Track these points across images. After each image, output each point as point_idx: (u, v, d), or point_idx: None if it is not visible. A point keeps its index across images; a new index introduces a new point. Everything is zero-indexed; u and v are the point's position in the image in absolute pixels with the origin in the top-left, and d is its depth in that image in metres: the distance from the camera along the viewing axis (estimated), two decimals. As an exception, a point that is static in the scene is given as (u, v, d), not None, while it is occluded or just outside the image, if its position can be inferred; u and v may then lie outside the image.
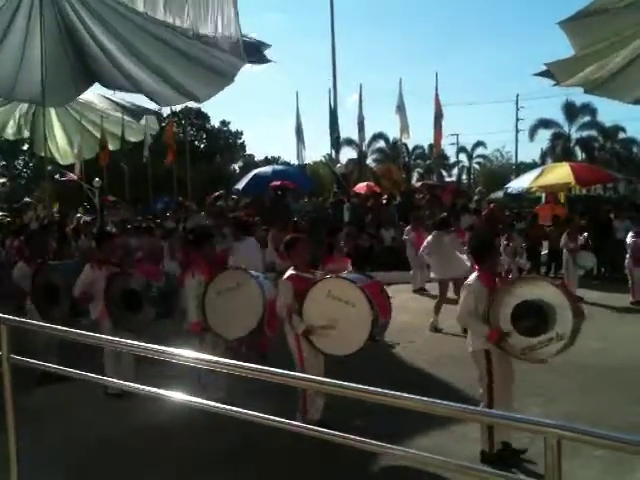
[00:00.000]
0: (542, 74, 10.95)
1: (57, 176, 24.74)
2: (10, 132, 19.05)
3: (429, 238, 9.19)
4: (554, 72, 10.73)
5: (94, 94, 18.03)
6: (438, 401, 1.98)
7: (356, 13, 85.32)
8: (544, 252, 14.46)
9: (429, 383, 6.30)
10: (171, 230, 13.54)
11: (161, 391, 2.69)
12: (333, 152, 18.26)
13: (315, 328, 4.77)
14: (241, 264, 6.02)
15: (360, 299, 4.66)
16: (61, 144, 20.17)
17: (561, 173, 18.28)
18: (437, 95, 18.77)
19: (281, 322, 5.14)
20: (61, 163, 21.73)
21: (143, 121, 19.86)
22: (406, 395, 2.01)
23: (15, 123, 18.34)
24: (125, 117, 18.55)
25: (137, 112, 18.29)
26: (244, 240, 7.81)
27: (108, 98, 17.68)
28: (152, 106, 17.39)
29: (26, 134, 19.18)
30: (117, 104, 17.80)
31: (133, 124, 19.49)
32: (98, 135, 19.83)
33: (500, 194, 23.04)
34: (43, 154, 16.30)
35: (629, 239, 10.75)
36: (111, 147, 20.93)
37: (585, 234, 11.08)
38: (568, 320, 4.06)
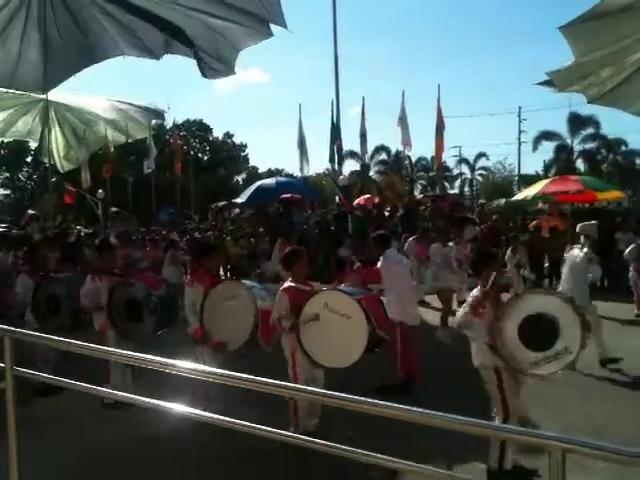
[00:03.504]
0: (544, 83, 10.94)
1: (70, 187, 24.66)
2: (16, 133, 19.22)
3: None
4: (556, 81, 10.73)
5: (99, 106, 18.13)
6: (439, 413, 1.95)
7: (358, 25, 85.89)
8: (547, 264, 14.43)
9: (432, 394, 6.24)
10: (173, 241, 13.70)
11: (159, 402, 2.66)
12: (332, 165, 18.25)
13: (301, 322, 4.77)
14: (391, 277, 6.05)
15: (356, 311, 4.65)
16: (62, 150, 20.27)
17: (536, 187, 19.07)
18: (439, 107, 18.75)
19: (278, 334, 5.13)
20: (61, 171, 21.73)
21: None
22: (405, 407, 1.99)
23: (22, 125, 18.53)
24: (130, 111, 18.49)
25: (140, 119, 18.37)
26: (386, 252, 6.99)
27: (112, 103, 17.77)
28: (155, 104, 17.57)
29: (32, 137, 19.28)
30: (121, 110, 17.87)
31: (138, 117, 19.37)
32: (102, 130, 19.77)
33: (502, 202, 23.14)
34: (46, 160, 16.47)
35: (628, 252, 10.75)
36: (114, 139, 20.87)
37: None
38: (576, 334, 4.02)
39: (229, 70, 11.35)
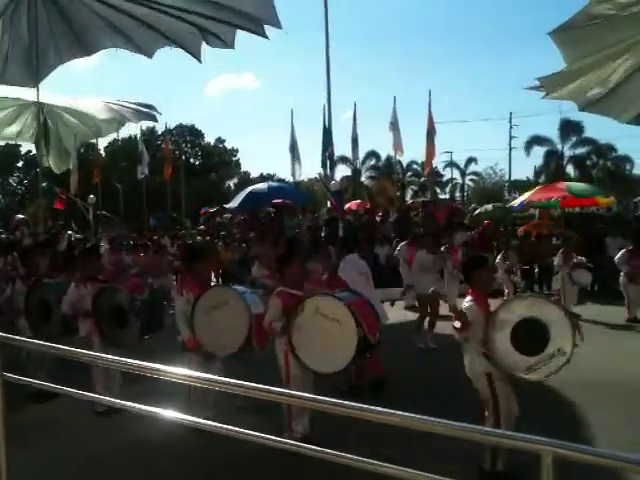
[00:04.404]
0: (535, 88, 10.97)
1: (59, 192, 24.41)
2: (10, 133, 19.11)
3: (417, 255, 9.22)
4: (546, 88, 10.76)
5: (93, 106, 18.04)
6: (431, 418, 1.95)
7: (351, 30, 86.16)
8: (537, 270, 14.50)
9: (419, 398, 6.24)
10: (163, 246, 13.65)
11: (151, 408, 2.65)
12: (324, 170, 18.30)
13: (297, 345, 4.76)
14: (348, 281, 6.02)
15: (346, 317, 4.64)
16: (56, 151, 20.14)
17: (524, 195, 19.50)
18: (430, 112, 18.84)
19: (271, 338, 5.12)
20: (57, 172, 21.57)
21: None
22: (395, 412, 1.98)
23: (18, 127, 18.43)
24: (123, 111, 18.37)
25: (133, 119, 18.30)
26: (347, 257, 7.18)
27: (105, 104, 17.69)
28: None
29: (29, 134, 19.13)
30: (114, 110, 17.79)
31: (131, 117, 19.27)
32: (95, 122, 19.57)
33: (489, 207, 23.32)
34: (45, 164, 16.34)
35: (618, 257, 10.82)
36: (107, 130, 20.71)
37: (580, 257, 11.04)
38: (567, 335, 4.05)
39: (230, 40, 11.14)
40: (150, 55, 12.01)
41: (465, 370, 4.53)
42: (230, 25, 10.42)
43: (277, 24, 9.90)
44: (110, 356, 2.98)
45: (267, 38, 10.30)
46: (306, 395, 2.54)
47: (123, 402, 2.98)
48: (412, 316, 9.38)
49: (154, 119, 19.10)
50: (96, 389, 5.66)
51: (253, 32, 10.34)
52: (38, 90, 13.29)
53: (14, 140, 20.79)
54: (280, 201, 19.03)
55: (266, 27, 10.20)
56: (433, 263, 8.88)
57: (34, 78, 12.53)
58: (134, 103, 17.89)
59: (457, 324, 4.33)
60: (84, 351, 3.00)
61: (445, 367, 7.44)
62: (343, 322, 4.66)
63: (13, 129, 18.74)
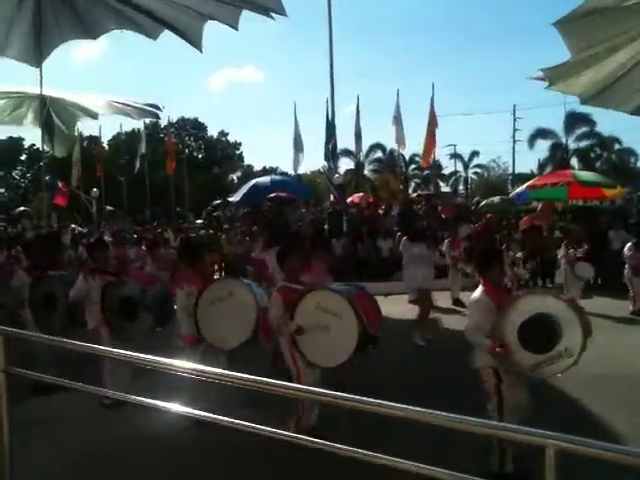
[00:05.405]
0: (539, 78, 10.91)
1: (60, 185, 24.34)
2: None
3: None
4: (550, 80, 10.71)
5: (95, 104, 18.03)
6: (435, 412, 1.96)
7: (354, 23, 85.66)
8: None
9: (420, 392, 6.25)
10: (166, 240, 13.64)
11: (157, 402, 2.66)
12: (328, 163, 18.26)
13: (305, 328, 4.75)
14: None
15: (347, 311, 4.63)
16: (59, 137, 20.07)
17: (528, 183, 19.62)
18: (432, 106, 18.80)
19: (276, 335, 5.11)
20: (57, 155, 21.43)
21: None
22: (400, 405, 1.99)
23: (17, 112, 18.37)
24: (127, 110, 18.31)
25: (135, 117, 18.25)
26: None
27: (108, 102, 17.66)
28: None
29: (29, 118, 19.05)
30: (118, 108, 17.77)
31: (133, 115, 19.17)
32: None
33: (495, 199, 23.28)
34: (54, 153, 16.24)
35: (627, 250, 10.78)
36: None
37: (584, 246, 11.02)
38: (577, 335, 3.97)
39: (234, 21, 11.12)
40: (155, 37, 11.98)
41: (471, 363, 4.53)
42: (234, 7, 10.39)
43: (282, 11, 9.88)
44: (115, 350, 2.99)
45: (273, 18, 10.26)
46: (317, 390, 2.54)
47: (129, 395, 2.99)
48: (414, 310, 9.36)
49: (157, 117, 19.04)
50: (105, 382, 5.69)
51: (257, 12, 10.30)
52: (41, 70, 13.20)
53: (16, 125, 20.60)
54: (274, 195, 18.95)
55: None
56: (426, 257, 8.84)
57: (37, 55, 12.46)
58: (137, 103, 17.87)
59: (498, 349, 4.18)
60: (89, 344, 3.01)
61: (446, 361, 7.48)
62: (344, 317, 4.65)
63: (14, 115, 18.63)
